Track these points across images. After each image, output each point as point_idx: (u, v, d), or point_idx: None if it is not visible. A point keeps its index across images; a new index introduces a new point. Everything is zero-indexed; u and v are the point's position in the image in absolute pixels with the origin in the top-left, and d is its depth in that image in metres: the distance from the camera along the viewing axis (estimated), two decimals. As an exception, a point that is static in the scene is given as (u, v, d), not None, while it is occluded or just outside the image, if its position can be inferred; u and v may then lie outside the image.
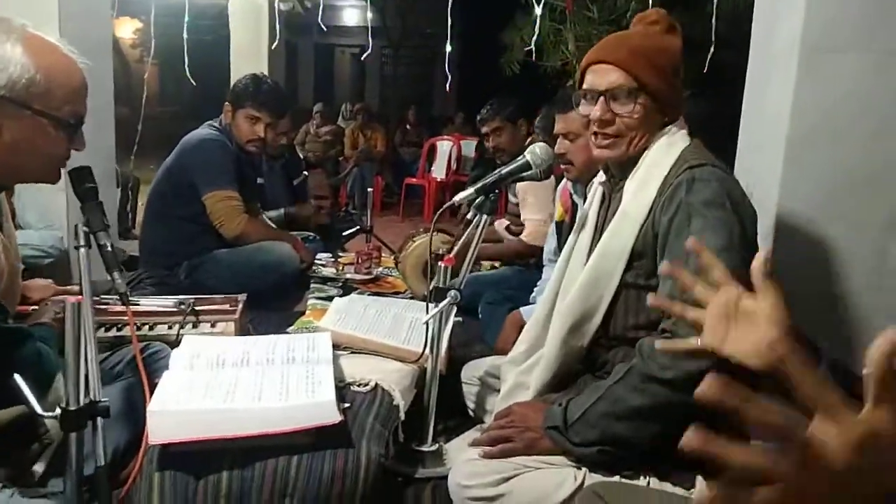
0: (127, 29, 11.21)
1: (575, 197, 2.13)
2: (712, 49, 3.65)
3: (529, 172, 1.66)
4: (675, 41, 1.46)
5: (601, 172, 1.66)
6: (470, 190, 1.62)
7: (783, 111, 2.41)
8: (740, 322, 0.85)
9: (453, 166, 7.27)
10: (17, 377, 1.07)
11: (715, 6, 3.50)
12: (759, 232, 1.41)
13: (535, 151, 1.61)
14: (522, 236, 2.77)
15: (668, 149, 1.42)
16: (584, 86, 1.47)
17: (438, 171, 7.27)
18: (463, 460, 1.44)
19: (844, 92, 2.15)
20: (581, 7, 6.31)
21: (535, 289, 2.38)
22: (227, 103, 2.74)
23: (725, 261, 1.25)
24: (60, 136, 1.28)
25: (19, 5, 2.63)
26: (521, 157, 1.63)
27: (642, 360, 1.25)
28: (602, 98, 1.41)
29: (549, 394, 1.56)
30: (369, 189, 3.24)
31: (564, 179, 2.36)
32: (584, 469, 1.36)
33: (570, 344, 1.49)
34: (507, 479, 1.36)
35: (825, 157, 2.43)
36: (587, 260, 1.55)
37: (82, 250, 1.26)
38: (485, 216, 1.63)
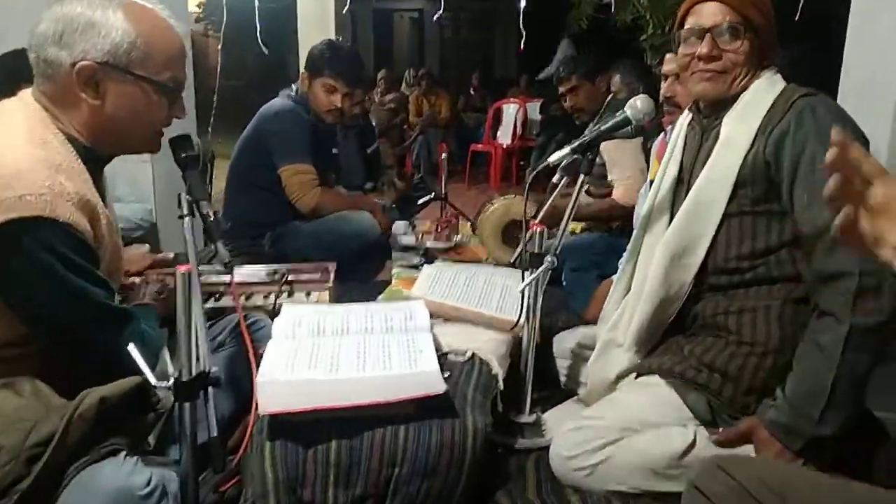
0: (191, 3, 11.33)
1: None
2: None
3: (625, 129, 1.60)
4: None
5: (683, 118, 1.59)
6: (566, 149, 1.56)
7: (893, 56, 2.23)
8: None
9: (519, 131, 7.11)
10: (131, 348, 1.08)
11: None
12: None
13: (636, 105, 1.53)
14: (615, 196, 2.67)
15: (770, 86, 1.41)
16: (687, 25, 1.46)
17: (504, 136, 7.13)
18: (563, 431, 1.41)
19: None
20: (654, -42, 6.03)
21: (625, 254, 2.30)
22: (303, 71, 2.70)
23: None
24: (161, 102, 1.28)
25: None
26: (621, 111, 1.55)
27: (850, 313, 1.20)
28: (709, 35, 1.41)
29: (644, 358, 1.51)
30: (443, 155, 3.19)
31: (662, 134, 2.25)
32: (691, 427, 1.34)
33: (672, 278, 1.44)
34: (609, 444, 1.34)
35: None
36: (672, 199, 1.52)
37: (186, 219, 1.25)
38: (582, 175, 1.57)
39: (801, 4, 3.34)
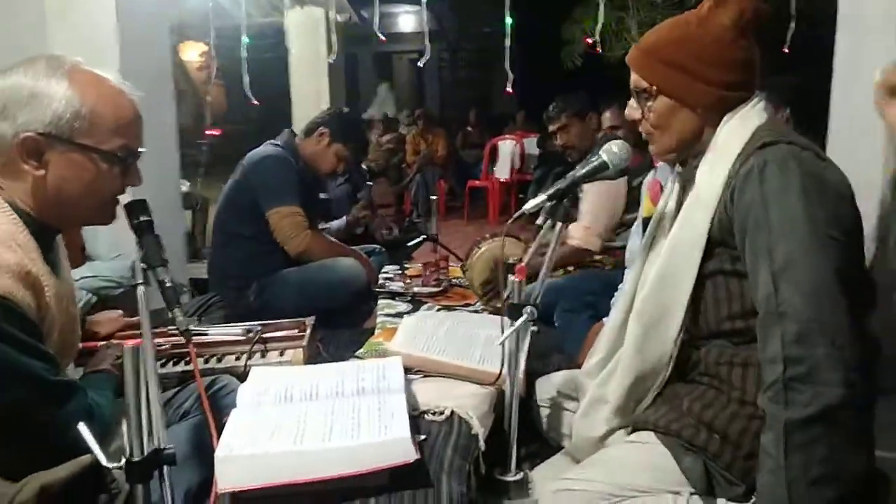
0: (192, 52, 11.52)
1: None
2: (793, 25, 3.41)
3: (606, 172, 1.54)
4: (717, 20, 1.30)
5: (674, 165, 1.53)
6: (542, 196, 1.50)
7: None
8: None
9: (516, 165, 7.13)
10: (81, 426, 1.02)
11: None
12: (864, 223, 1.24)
13: (612, 150, 1.47)
14: (571, 240, 2.61)
15: (741, 127, 1.29)
16: None
17: (501, 172, 7.15)
18: (551, 491, 1.32)
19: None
20: (643, -9, 6.10)
21: (616, 293, 2.23)
22: (325, 128, 2.72)
23: (809, 256, 1.11)
24: (112, 171, 1.23)
25: (80, 36, 2.70)
26: (597, 156, 1.50)
27: (783, 408, 1.09)
28: (634, 97, 1.38)
29: (631, 411, 1.42)
30: (432, 197, 3.16)
31: (652, 171, 2.20)
32: (685, 495, 1.25)
33: (647, 349, 1.34)
34: None
35: (933, 132, 2.18)
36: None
37: (140, 288, 1.21)
38: (560, 223, 1.51)
39: (788, 35, 3.33)
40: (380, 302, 2.39)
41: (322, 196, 3.08)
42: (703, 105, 1.31)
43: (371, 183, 4.42)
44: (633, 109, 1.39)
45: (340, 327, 2.36)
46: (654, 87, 1.32)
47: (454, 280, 2.63)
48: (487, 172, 7.24)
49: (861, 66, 2.35)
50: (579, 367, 1.95)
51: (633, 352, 1.35)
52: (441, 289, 2.50)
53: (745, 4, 1.29)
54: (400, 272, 2.76)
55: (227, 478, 1.12)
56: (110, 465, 1.03)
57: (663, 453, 1.28)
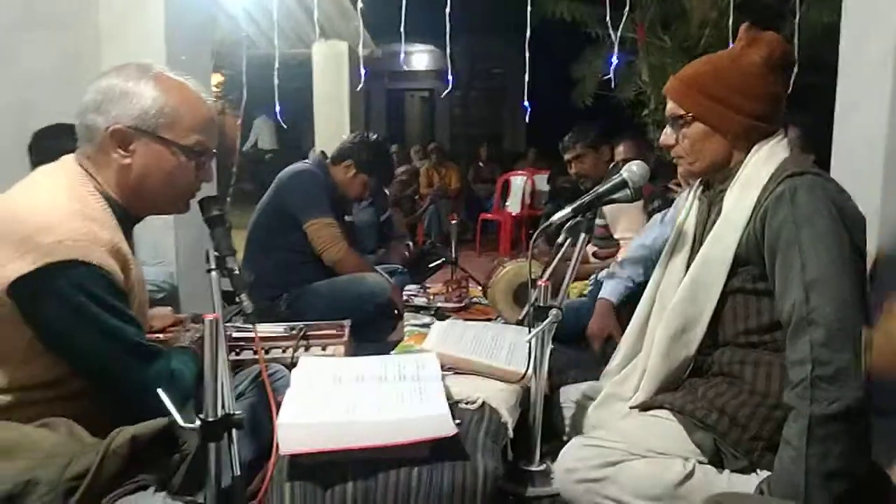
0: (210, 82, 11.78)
1: None
2: (795, 71, 3.57)
3: (623, 193, 1.68)
4: (749, 58, 1.46)
5: (695, 186, 1.68)
6: (567, 210, 1.64)
7: (878, 132, 2.32)
8: None
9: (527, 201, 7.30)
10: (160, 391, 1.15)
11: (796, 27, 3.45)
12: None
13: (632, 169, 1.62)
14: (620, 256, 2.77)
15: (768, 159, 1.45)
16: None
17: (513, 206, 7.32)
18: (570, 447, 1.47)
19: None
20: (653, 36, 6.32)
21: (638, 310, 2.37)
22: (350, 160, 2.89)
23: (838, 272, 1.27)
24: (189, 164, 1.40)
25: (131, 56, 2.87)
26: (618, 175, 1.64)
27: (809, 403, 1.22)
28: (668, 126, 1.55)
29: (656, 395, 1.55)
30: (452, 221, 3.31)
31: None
32: (692, 459, 1.39)
33: (673, 353, 1.50)
34: (613, 464, 1.39)
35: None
36: (686, 269, 1.57)
37: (214, 273, 1.35)
38: (583, 235, 1.65)
39: (790, 80, 3.49)
40: (406, 314, 2.52)
41: (347, 218, 3.22)
42: (733, 132, 1.47)
43: (390, 212, 4.59)
44: (667, 136, 1.55)
45: (366, 340, 2.48)
46: (690, 115, 1.48)
47: (474, 299, 2.77)
48: (499, 206, 7.40)
49: (860, 110, 2.49)
50: (590, 335, 2.20)
51: (660, 358, 1.50)
52: (463, 304, 2.63)
53: (774, 46, 1.46)
54: (422, 290, 2.90)
55: (289, 442, 1.24)
56: (186, 425, 1.16)
57: (676, 427, 1.44)
